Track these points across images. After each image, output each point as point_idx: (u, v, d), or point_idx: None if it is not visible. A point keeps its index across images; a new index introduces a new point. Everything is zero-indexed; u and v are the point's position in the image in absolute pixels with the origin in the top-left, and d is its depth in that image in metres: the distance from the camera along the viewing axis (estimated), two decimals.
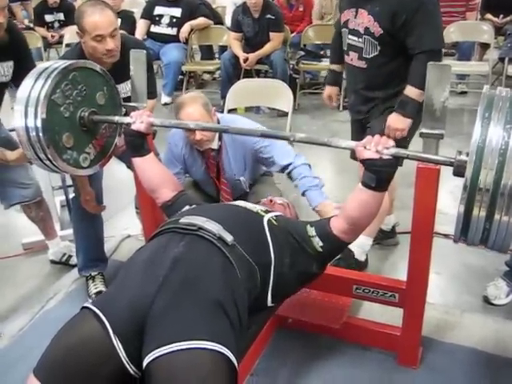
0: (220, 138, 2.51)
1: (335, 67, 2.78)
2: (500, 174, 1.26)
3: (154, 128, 2.36)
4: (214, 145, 2.49)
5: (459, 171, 1.40)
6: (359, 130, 2.69)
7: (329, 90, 2.84)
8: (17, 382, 1.45)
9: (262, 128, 2.50)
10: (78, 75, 1.94)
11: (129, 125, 1.91)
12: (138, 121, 1.90)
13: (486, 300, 2.42)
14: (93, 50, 2.25)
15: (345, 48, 2.49)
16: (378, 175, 1.54)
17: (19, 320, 2.49)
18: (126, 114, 2.28)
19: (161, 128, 2.41)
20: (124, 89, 2.44)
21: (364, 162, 1.55)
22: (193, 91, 6.06)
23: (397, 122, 2.33)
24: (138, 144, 1.93)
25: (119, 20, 5.90)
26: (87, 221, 2.53)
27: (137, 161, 1.96)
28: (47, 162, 1.89)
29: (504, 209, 1.28)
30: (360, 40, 2.37)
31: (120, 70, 2.33)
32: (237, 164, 2.57)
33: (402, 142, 2.30)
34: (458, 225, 1.37)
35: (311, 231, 1.73)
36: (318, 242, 1.71)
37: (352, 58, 2.45)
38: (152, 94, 2.42)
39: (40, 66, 1.92)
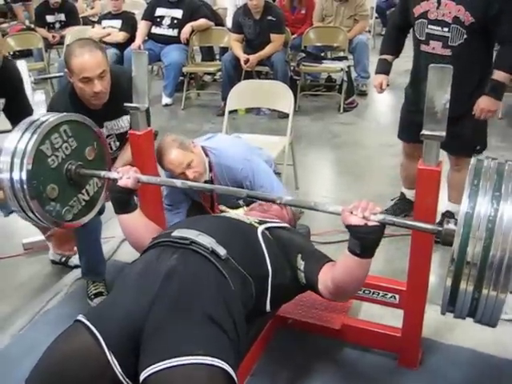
0: (211, 169, 2.50)
1: (388, 57, 2.90)
2: (489, 244, 1.23)
3: (156, 130, 2.38)
4: (206, 176, 2.48)
5: (447, 240, 1.35)
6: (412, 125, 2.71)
7: (380, 78, 2.92)
8: (18, 380, 1.45)
9: (248, 145, 2.60)
10: (69, 128, 1.93)
11: (115, 180, 1.84)
12: (125, 176, 1.82)
13: None
14: (81, 91, 2.24)
15: (421, 38, 2.59)
16: (362, 242, 1.45)
17: (20, 319, 2.50)
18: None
19: (162, 131, 2.44)
20: (116, 125, 2.44)
21: (349, 228, 1.47)
22: (193, 92, 6.08)
23: (489, 104, 2.51)
24: (125, 201, 1.84)
25: (120, 21, 5.99)
26: (86, 229, 2.49)
27: (122, 217, 1.86)
28: (30, 214, 1.86)
29: (492, 283, 1.25)
30: (446, 29, 2.48)
31: (112, 107, 2.32)
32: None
33: (484, 124, 2.66)
34: (445, 297, 1.34)
35: (300, 264, 1.67)
36: (302, 278, 1.66)
37: (434, 47, 2.56)
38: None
39: (28, 118, 1.90)
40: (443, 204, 2.84)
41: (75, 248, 2.78)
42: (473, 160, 1.38)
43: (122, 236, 3.11)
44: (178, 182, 1.92)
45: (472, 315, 1.36)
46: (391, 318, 2.20)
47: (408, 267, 1.91)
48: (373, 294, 2.07)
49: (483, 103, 2.52)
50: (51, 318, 2.49)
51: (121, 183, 1.82)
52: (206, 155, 2.51)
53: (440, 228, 1.40)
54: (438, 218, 2.71)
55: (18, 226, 3.09)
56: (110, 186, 1.94)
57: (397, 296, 2.02)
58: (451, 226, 1.35)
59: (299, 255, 1.68)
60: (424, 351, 2.13)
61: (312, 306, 2.29)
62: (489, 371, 2.06)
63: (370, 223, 1.43)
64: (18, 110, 2.50)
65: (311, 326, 2.22)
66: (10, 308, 2.61)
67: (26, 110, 2.56)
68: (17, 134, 1.83)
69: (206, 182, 2.47)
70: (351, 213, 1.46)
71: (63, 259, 2.96)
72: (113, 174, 1.89)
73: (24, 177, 1.78)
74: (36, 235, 3.04)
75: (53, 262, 2.99)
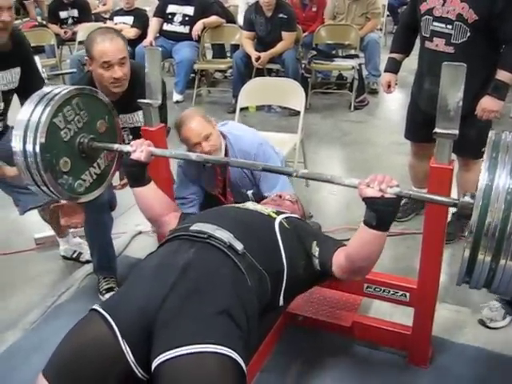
0: (226, 153, 2.48)
1: (397, 56, 2.90)
2: (507, 216, 1.24)
3: (168, 126, 2.38)
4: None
5: (463, 213, 1.38)
6: (420, 126, 2.76)
7: (389, 77, 2.93)
8: (30, 373, 1.47)
9: (263, 140, 2.53)
10: (81, 101, 1.93)
11: (128, 154, 1.88)
12: (138, 150, 1.86)
13: (483, 323, 2.28)
14: (100, 77, 2.24)
15: (426, 35, 2.59)
16: (379, 214, 1.49)
17: (32, 313, 2.52)
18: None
19: (173, 127, 2.44)
20: (130, 119, 2.44)
21: (365, 200, 1.51)
22: (204, 89, 6.10)
23: (492, 104, 2.49)
24: (138, 174, 1.89)
25: (132, 18, 6.01)
26: (98, 226, 2.52)
27: (137, 190, 1.91)
28: (43, 188, 1.87)
29: (510, 254, 1.26)
30: (449, 27, 2.47)
31: (129, 100, 2.30)
32: (241, 178, 2.52)
33: (488, 125, 2.59)
34: (462, 268, 1.35)
35: (315, 250, 1.69)
36: (316, 264, 1.69)
37: (437, 44, 2.55)
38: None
39: (41, 90, 1.90)
40: None
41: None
42: (491, 134, 1.39)
43: (133, 232, 3.14)
44: (193, 155, 1.94)
45: (488, 286, 1.37)
46: (402, 316, 2.20)
47: (419, 265, 1.91)
48: (383, 291, 2.06)
49: (485, 103, 2.49)
50: (63, 313, 2.51)
51: (133, 156, 1.86)
52: (224, 138, 2.50)
53: (456, 201, 1.43)
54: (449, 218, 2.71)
55: (31, 221, 3.12)
56: (123, 159, 1.97)
57: (407, 294, 2.02)
58: (467, 198, 1.38)
59: (314, 242, 1.72)
60: (434, 349, 2.13)
61: (322, 303, 2.29)
62: (498, 370, 2.06)
63: (387, 195, 1.47)
64: (33, 82, 2.44)
65: (321, 323, 2.22)
66: (22, 302, 2.63)
67: (40, 84, 2.50)
68: (29, 107, 1.83)
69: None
70: (368, 186, 1.50)
71: (74, 255, 2.98)
72: (126, 147, 1.92)
73: (37, 150, 1.79)
74: (48, 230, 3.06)
75: (64, 257, 3.01)
